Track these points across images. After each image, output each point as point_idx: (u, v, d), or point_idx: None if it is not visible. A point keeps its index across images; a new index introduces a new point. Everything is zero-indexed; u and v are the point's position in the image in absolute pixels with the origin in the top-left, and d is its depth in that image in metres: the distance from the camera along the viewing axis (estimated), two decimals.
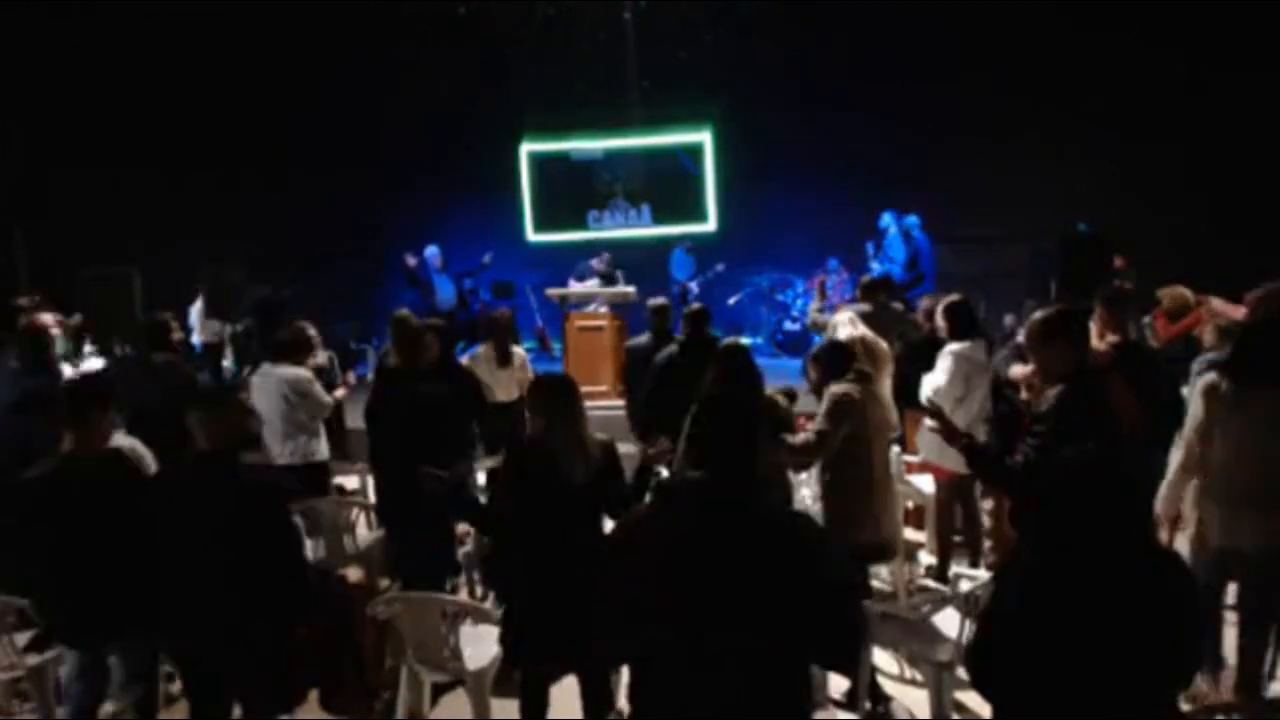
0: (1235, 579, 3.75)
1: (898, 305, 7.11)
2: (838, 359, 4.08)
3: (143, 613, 3.37)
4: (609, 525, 3.25)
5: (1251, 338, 3.65)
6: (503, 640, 3.34)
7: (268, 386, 5.15)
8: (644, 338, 6.33)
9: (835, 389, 3.93)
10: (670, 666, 2.12)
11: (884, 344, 5.84)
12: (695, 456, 2.25)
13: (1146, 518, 2.44)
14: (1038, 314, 3.49)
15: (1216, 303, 5.50)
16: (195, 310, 9.86)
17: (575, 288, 9.97)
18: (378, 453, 4.65)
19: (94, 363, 6.72)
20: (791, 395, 5.63)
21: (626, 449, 4.94)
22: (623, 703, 3.76)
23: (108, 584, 3.31)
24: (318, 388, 5.26)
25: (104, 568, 3.29)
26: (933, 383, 5.06)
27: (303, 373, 5.21)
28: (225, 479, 3.11)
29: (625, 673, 3.73)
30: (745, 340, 8.33)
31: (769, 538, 2.13)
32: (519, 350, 6.26)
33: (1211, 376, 3.71)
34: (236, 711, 3.30)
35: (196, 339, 9.70)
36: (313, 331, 5.45)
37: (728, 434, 2.23)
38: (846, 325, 5.92)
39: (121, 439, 4.25)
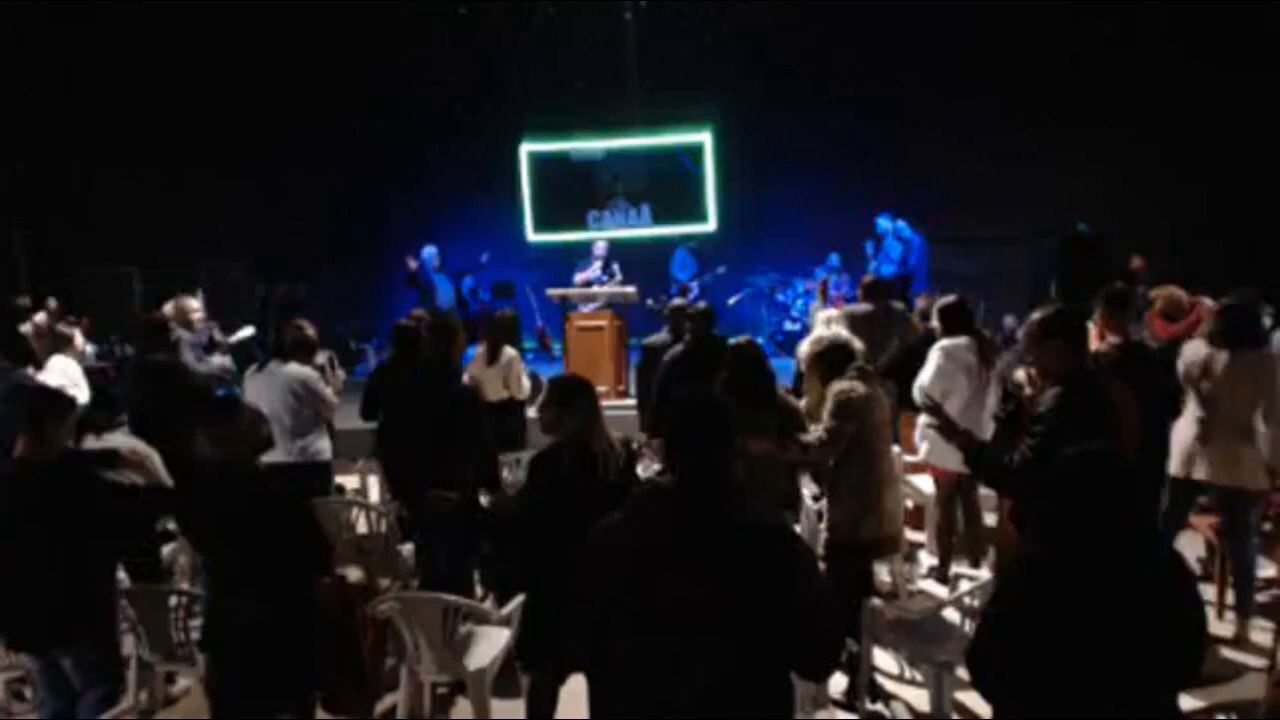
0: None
1: (898, 305, 7.11)
2: (838, 358, 4.07)
3: (89, 617, 3.38)
4: None
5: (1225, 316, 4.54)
6: (520, 645, 3.35)
7: (275, 384, 5.14)
8: (662, 335, 6.40)
9: (839, 387, 3.93)
10: (640, 674, 2.09)
11: (859, 343, 5.86)
12: (669, 462, 2.22)
13: (1149, 517, 2.43)
14: (1036, 314, 3.51)
15: (1209, 304, 5.50)
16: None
17: (580, 278, 10.01)
18: (399, 451, 4.56)
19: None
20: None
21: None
22: None
23: (54, 590, 3.30)
24: (324, 385, 5.28)
25: (50, 574, 3.29)
26: (920, 379, 5.09)
27: (311, 371, 5.23)
28: (249, 487, 3.17)
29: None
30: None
31: (740, 546, 2.07)
32: (509, 350, 6.26)
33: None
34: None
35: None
36: (310, 331, 5.46)
37: (699, 439, 2.17)
38: (820, 325, 5.95)
39: (122, 439, 4.25)
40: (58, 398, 3.56)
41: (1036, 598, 2.21)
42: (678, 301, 6.66)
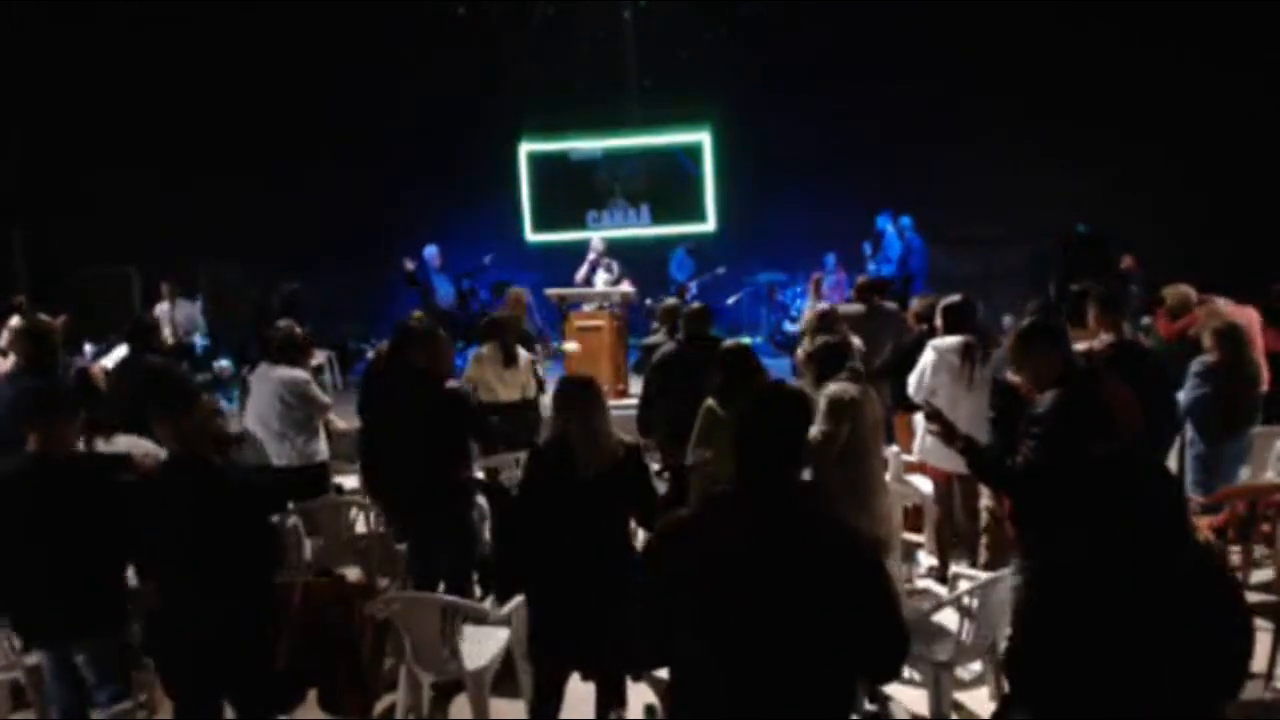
0: None
1: (891, 306, 7.11)
2: (832, 358, 4.07)
3: (107, 611, 3.38)
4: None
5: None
6: (531, 642, 3.37)
7: (265, 387, 5.12)
8: (658, 336, 6.41)
9: (831, 389, 3.92)
10: (711, 676, 2.06)
11: (857, 341, 5.87)
12: (738, 464, 2.16)
13: (1184, 515, 2.36)
14: (1013, 332, 3.58)
15: (1221, 303, 5.51)
16: (161, 310, 9.79)
17: (596, 274, 10.00)
18: (392, 456, 4.51)
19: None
20: None
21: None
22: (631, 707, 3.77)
23: (71, 584, 3.32)
24: (315, 388, 5.22)
25: (67, 567, 3.31)
26: (912, 376, 5.12)
27: (299, 374, 5.17)
28: (196, 480, 3.12)
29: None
30: (744, 340, 8.37)
31: (810, 549, 2.04)
32: (524, 351, 6.23)
33: None
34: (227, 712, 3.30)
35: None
36: (298, 330, 5.42)
37: (769, 441, 2.12)
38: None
39: (130, 441, 4.25)
40: (66, 395, 3.57)
41: (1078, 599, 2.16)
42: (670, 301, 6.64)
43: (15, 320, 7.18)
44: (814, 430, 3.92)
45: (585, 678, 3.33)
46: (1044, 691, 2.25)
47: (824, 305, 6.31)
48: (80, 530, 3.30)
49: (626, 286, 9.51)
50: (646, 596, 2.21)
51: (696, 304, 5.94)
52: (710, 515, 2.17)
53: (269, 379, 5.13)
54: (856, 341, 5.94)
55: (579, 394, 3.32)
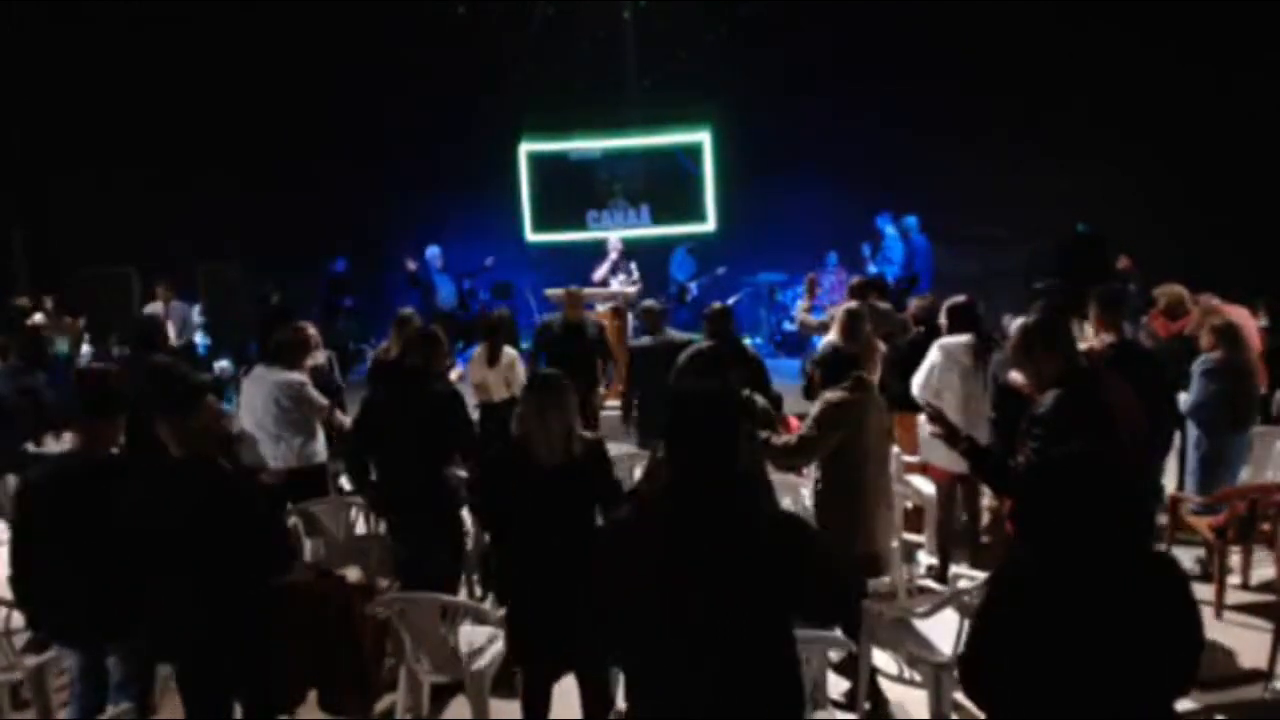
0: None
1: (884, 305, 7.11)
2: (837, 365, 4.04)
3: (136, 613, 3.39)
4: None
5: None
6: (506, 639, 3.38)
7: (260, 390, 5.11)
8: (645, 339, 6.40)
9: (829, 395, 3.89)
10: (662, 667, 2.11)
11: (879, 343, 5.86)
12: (672, 458, 2.23)
13: (1142, 519, 2.40)
14: (1015, 329, 3.56)
15: (1214, 302, 5.52)
16: (154, 311, 9.80)
17: (596, 276, 9.98)
18: (385, 453, 4.51)
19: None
20: (777, 401, 5.66)
21: (625, 449, 4.92)
22: (621, 703, 3.78)
23: (111, 584, 3.30)
24: (310, 390, 5.17)
25: (108, 568, 3.29)
26: (917, 376, 5.10)
27: (295, 376, 5.14)
28: (201, 482, 3.10)
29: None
30: (744, 341, 8.38)
31: (743, 537, 2.11)
32: (509, 350, 6.25)
33: None
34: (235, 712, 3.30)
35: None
36: (312, 331, 5.42)
37: (702, 434, 2.19)
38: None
39: None
40: (112, 394, 3.56)
41: (1028, 601, 2.19)
42: (648, 303, 6.64)
43: (39, 317, 7.24)
44: (801, 430, 3.92)
45: (562, 673, 3.36)
46: (995, 689, 2.27)
47: (854, 304, 6.29)
48: (115, 531, 3.25)
49: (629, 288, 9.51)
50: (597, 594, 2.27)
51: (717, 305, 5.95)
52: (648, 513, 2.25)
53: (264, 381, 5.12)
54: (881, 346, 5.96)
55: (538, 390, 3.35)
